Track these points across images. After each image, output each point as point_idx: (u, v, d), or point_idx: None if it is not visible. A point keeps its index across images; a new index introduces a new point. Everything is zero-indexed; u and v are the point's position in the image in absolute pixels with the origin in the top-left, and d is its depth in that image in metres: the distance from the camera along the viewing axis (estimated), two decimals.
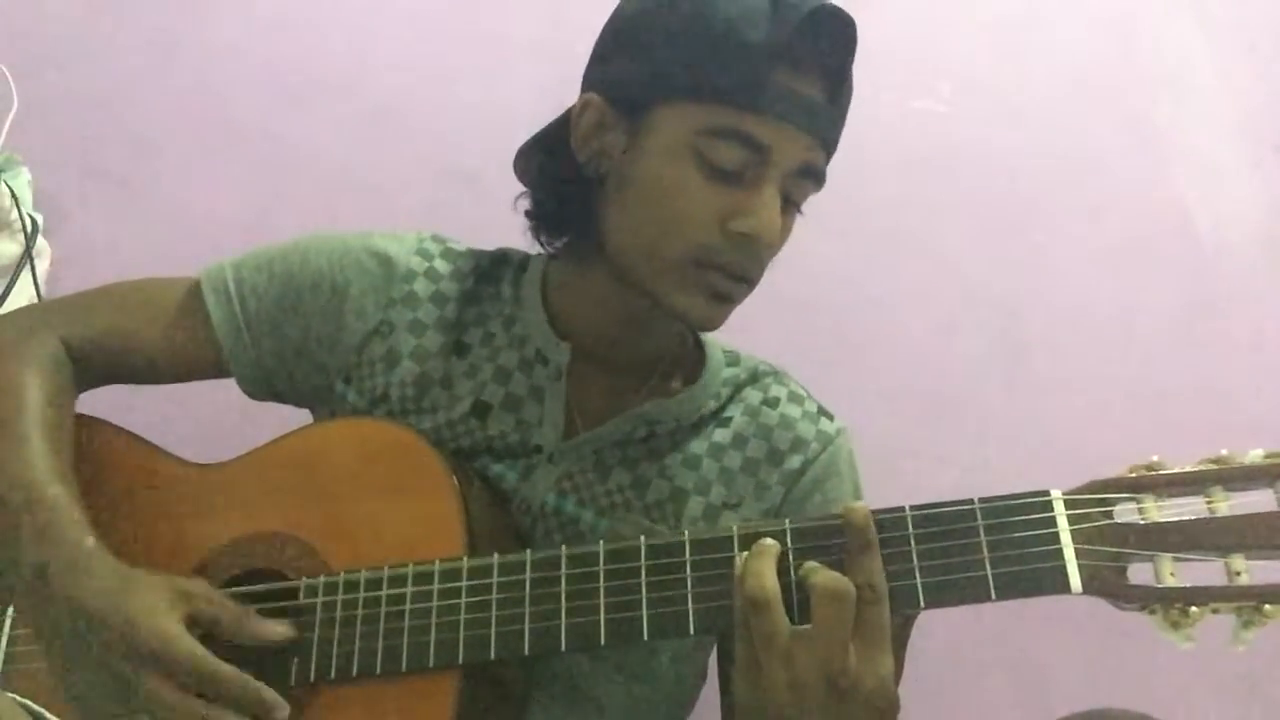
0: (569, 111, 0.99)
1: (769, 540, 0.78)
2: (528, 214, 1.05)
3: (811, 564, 0.76)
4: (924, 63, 1.64)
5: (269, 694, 0.81)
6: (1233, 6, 1.66)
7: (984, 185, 1.60)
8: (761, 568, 0.75)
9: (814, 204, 1.43)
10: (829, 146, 0.95)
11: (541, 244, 1.06)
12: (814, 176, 0.95)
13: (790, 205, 0.95)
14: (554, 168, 1.02)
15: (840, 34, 0.90)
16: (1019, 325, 1.56)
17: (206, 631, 0.82)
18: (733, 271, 0.93)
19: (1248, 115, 1.63)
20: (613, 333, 1.02)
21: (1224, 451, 0.73)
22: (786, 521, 0.80)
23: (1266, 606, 0.68)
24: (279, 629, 0.85)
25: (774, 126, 0.89)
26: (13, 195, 1.45)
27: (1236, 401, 1.52)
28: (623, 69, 0.96)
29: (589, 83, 0.99)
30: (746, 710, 0.77)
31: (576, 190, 1.00)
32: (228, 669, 0.80)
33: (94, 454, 0.97)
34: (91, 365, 1.01)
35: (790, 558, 0.78)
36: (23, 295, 1.45)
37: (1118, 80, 1.64)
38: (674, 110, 0.92)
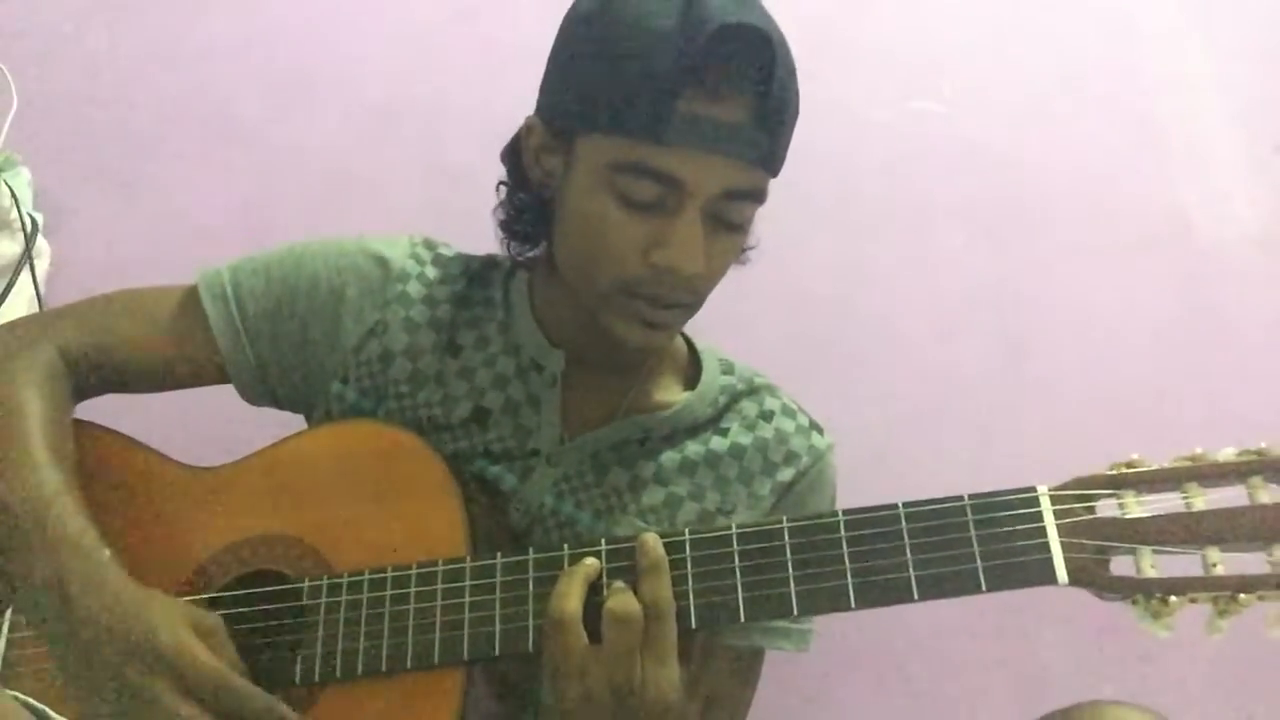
0: (520, 129, 0.99)
1: (589, 560, 0.84)
2: (501, 224, 1.05)
3: (618, 584, 0.82)
4: (924, 63, 1.63)
5: (283, 709, 0.81)
6: (1232, 6, 1.65)
7: (983, 185, 1.60)
8: (568, 589, 0.81)
9: (814, 203, 1.43)
10: (766, 164, 0.90)
11: (509, 251, 1.06)
12: (748, 197, 0.91)
13: (727, 227, 0.92)
14: (514, 181, 1.03)
15: (753, 49, 0.85)
16: (1019, 325, 1.56)
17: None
18: (662, 301, 0.92)
19: (1248, 115, 1.62)
20: (597, 339, 1.01)
21: (1198, 449, 0.76)
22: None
23: (1241, 596, 0.71)
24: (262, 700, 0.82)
25: (683, 157, 0.86)
26: (13, 195, 1.45)
27: (1236, 401, 1.51)
28: (552, 95, 0.96)
29: (537, 103, 0.98)
30: (548, 711, 0.82)
31: (534, 204, 1.00)
32: (244, 683, 0.80)
33: (93, 459, 0.96)
34: (90, 374, 1.00)
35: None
36: (23, 295, 1.46)
37: (1118, 80, 1.64)
38: (591, 143, 0.90)
